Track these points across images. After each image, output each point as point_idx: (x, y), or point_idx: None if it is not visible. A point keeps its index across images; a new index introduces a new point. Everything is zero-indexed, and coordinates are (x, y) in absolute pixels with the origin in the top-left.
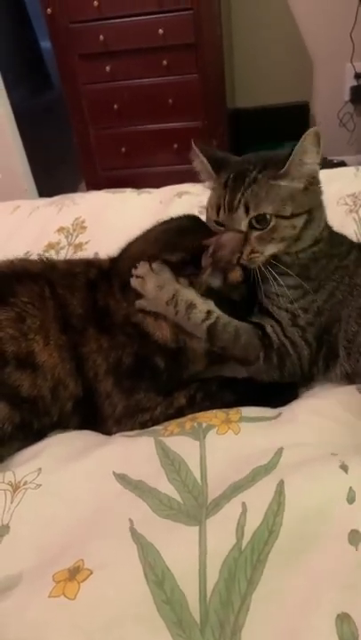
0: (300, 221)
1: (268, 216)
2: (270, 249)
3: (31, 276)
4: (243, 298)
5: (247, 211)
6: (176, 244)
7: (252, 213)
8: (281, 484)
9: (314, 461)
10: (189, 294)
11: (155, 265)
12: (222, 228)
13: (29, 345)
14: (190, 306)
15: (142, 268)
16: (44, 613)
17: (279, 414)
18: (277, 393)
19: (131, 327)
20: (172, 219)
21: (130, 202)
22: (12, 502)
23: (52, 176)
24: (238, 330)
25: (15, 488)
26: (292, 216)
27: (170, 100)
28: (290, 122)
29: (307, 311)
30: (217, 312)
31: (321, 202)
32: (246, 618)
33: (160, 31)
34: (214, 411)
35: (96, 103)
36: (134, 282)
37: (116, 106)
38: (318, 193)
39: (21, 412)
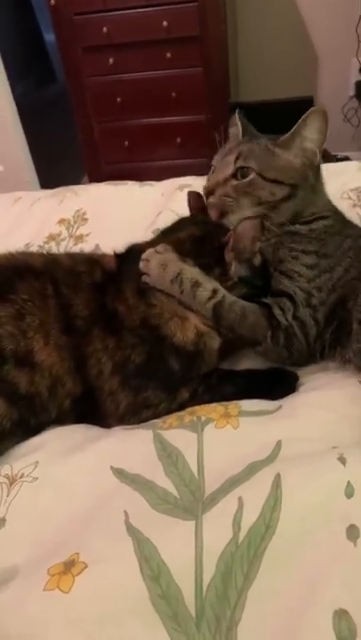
0: (280, 191)
1: (250, 170)
2: (244, 204)
3: (33, 271)
4: (264, 281)
5: (236, 159)
6: (195, 254)
7: (240, 162)
8: (278, 479)
9: (312, 455)
10: (194, 272)
11: (159, 246)
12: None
13: (29, 343)
14: (195, 284)
15: (148, 251)
16: (41, 607)
17: (279, 407)
18: (277, 385)
19: (145, 330)
20: (177, 226)
21: (132, 194)
22: (7, 495)
23: (55, 170)
24: (245, 309)
25: (12, 481)
26: (274, 181)
27: (173, 94)
28: (294, 116)
29: (321, 290)
30: (223, 291)
31: (312, 186)
32: (243, 613)
33: (164, 23)
34: (214, 404)
35: (99, 96)
36: (140, 263)
37: (119, 99)
38: (310, 175)
39: (19, 408)
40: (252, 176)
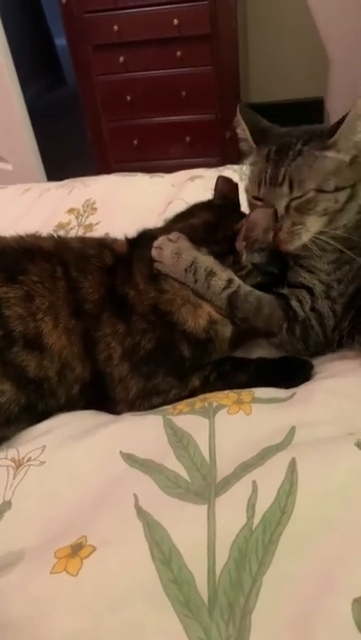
0: (343, 195)
1: (308, 190)
2: (313, 222)
3: (43, 253)
4: (279, 270)
5: (291, 188)
6: (209, 240)
7: (296, 193)
8: (293, 463)
9: (328, 441)
10: (209, 261)
11: (172, 234)
12: (261, 203)
13: (38, 326)
14: (210, 273)
15: (161, 239)
16: (47, 590)
17: (293, 395)
18: (291, 373)
19: (156, 316)
20: (190, 212)
21: (141, 185)
22: (14, 478)
23: (64, 171)
24: (261, 300)
25: (18, 465)
26: (336, 190)
27: (183, 93)
28: (304, 118)
29: (340, 282)
30: (238, 281)
31: None
32: (257, 600)
33: (175, 22)
34: (226, 391)
35: (109, 95)
36: (153, 251)
37: (129, 97)
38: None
39: (27, 393)
40: (311, 194)
